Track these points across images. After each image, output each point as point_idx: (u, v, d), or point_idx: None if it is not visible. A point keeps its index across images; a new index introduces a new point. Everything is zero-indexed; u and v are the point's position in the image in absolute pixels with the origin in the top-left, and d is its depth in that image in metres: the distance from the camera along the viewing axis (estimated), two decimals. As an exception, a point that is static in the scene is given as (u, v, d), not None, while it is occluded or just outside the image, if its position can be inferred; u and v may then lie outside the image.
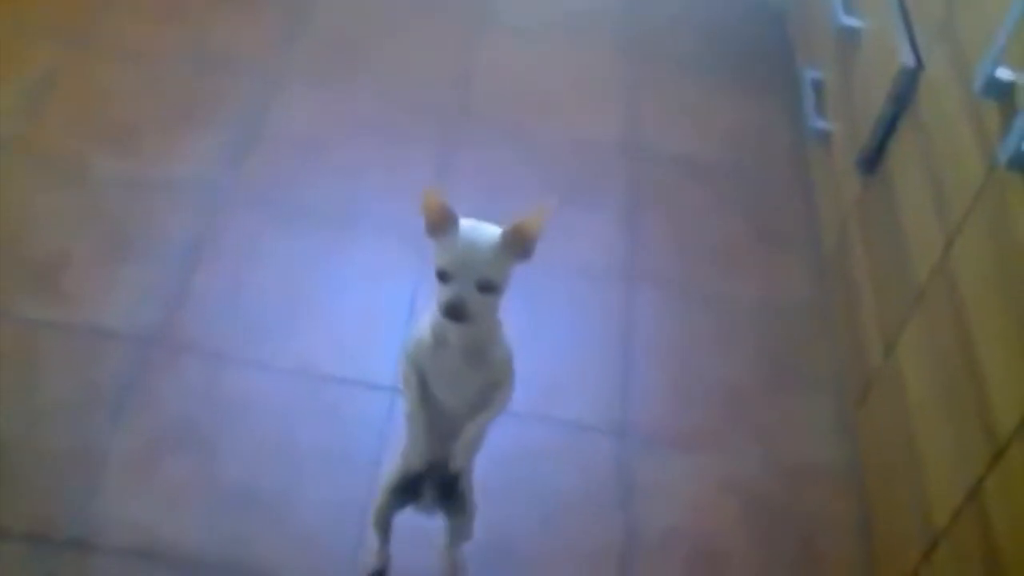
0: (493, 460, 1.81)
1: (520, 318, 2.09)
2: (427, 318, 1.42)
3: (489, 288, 1.32)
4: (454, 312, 1.31)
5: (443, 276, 1.32)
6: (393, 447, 1.85)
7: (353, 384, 1.95)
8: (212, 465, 1.79)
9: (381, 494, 1.58)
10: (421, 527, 1.65)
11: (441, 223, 1.33)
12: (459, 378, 1.40)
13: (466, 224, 1.33)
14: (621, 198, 2.43)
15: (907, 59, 1.96)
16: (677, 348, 2.14)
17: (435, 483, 1.51)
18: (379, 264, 2.17)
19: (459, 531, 1.60)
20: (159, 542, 1.68)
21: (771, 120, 2.72)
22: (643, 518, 1.85)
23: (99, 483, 1.73)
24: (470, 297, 1.31)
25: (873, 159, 2.07)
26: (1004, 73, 1.59)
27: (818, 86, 2.46)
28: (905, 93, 1.97)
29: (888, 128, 2.03)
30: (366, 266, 2.17)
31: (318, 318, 2.05)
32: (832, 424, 2.07)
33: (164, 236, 2.12)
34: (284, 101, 2.47)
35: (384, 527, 1.62)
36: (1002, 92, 1.60)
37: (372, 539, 1.65)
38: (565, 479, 1.89)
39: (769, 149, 2.64)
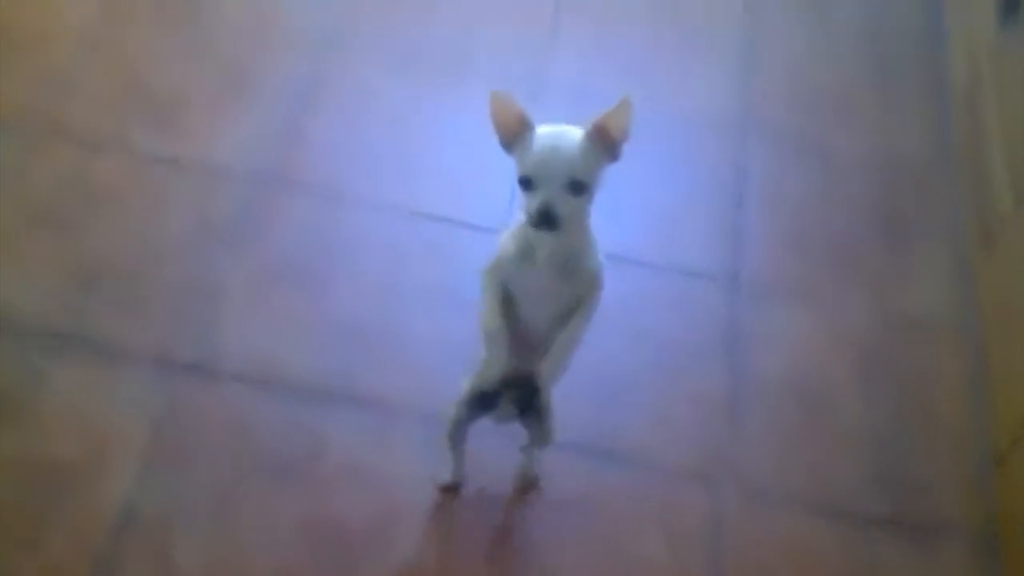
0: (604, 305, 1.80)
1: (633, 161, 2.05)
2: (510, 233, 1.32)
3: (578, 189, 1.21)
4: (544, 219, 1.20)
5: (527, 184, 1.22)
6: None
7: (460, 225, 1.96)
8: (324, 299, 1.83)
9: (456, 407, 1.50)
10: (499, 430, 1.57)
11: (516, 130, 1.24)
12: (548, 294, 1.31)
13: (543, 129, 1.24)
14: (737, 42, 2.34)
15: None
16: (791, 197, 2.09)
17: (513, 396, 1.44)
18: (487, 112, 2.14)
19: (539, 438, 1.54)
20: (274, 370, 1.73)
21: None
22: (753, 366, 1.84)
23: (217, 313, 1.79)
24: (559, 201, 1.21)
25: (1015, 2, 1.95)
26: None
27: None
28: (1054, -74, 1.84)
29: (1033, -34, 1.90)
30: (475, 113, 2.13)
31: (427, 161, 2.05)
32: (947, 277, 2.00)
33: (278, 78, 2.13)
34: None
35: (458, 439, 1.57)
36: None
37: (445, 451, 1.60)
38: (675, 325, 1.88)
39: (899, -5, 2.50)
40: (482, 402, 1.47)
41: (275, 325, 1.79)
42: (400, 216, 1.96)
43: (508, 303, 1.34)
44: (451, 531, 1.62)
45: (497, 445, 1.64)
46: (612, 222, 2.03)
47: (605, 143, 1.23)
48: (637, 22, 2.35)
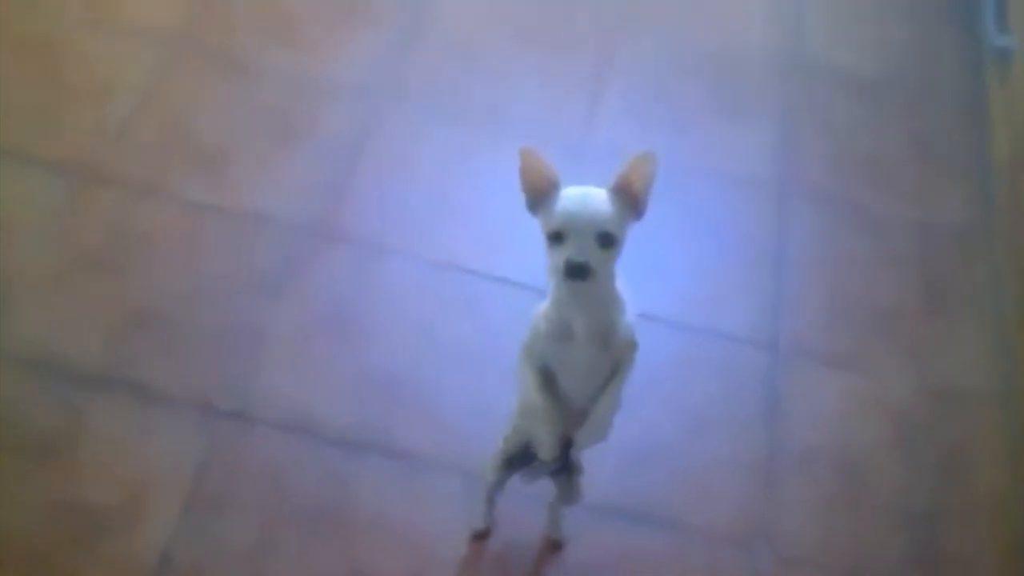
0: (644, 368, 1.80)
1: (673, 226, 2.07)
2: (540, 313, 1.32)
3: (608, 241, 1.21)
4: (576, 271, 1.20)
5: (558, 238, 1.22)
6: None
7: (498, 281, 1.97)
8: (362, 350, 1.84)
9: (493, 471, 1.54)
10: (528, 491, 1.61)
11: (543, 188, 1.25)
12: (588, 367, 1.31)
13: (569, 188, 1.24)
14: (778, 110, 2.36)
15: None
16: (831, 265, 2.09)
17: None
18: (517, 167, 2.16)
19: (567, 496, 1.55)
20: (311, 418, 1.74)
21: (943, 35, 2.59)
22: (791, 432, 1.83)
23: (258, 360, 1.80)
24: (591, 252, 1.21)
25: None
26: None
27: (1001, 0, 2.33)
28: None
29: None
30: (515, 169, 2.17)
31: (467, 217, 2.07)
32: (988, 349, 1.99)
33: (325, 131, 2.16)
34: (447, 2, 2.47)
35: (494, 497, 1.61)
36: None
37: (481, 502, 1.63)
38: (714, 389, 1.87)
39: (939, 66, 2.51)
40: (520, 460, 1.49)
41: (313, 375, 1.80)
42: (439, 270, 1.97)
43: (549, 377, 1.34)
44: (483, 588, 1.61)
45: (528, 504, 1.63)
46: (653, 285, 2.04)
47: (628, 197, 1.24)
48: (679, 87, 2.37)
